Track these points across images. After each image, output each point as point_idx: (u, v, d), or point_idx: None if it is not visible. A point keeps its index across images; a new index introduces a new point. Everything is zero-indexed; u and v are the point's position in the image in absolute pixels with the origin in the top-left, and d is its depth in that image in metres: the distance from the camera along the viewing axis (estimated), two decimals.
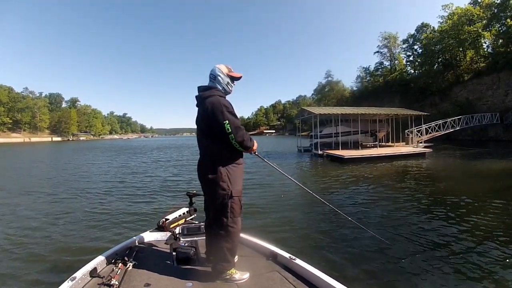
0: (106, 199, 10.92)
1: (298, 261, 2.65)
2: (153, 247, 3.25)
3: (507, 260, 5.63)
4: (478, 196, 11.75)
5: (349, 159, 21.44)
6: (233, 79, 2.87)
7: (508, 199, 10.52)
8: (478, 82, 38.88)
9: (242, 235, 3.06)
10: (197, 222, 3.88)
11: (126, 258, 2.77)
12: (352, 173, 17.39)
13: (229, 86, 2.82)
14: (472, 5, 45.66)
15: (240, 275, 2.60)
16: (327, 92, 77.64)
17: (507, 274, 5.10)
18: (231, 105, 2.64)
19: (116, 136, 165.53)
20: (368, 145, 29.24)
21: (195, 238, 3.39)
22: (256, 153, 2.91)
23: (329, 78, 79.46)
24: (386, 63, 64.78)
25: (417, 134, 28.22)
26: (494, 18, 41.43)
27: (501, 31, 39.66)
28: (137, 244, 3.26)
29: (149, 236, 3.49)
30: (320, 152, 25.09)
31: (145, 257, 2.96)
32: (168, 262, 2.89)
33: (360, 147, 26.75)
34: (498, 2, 40.89)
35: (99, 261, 2.73)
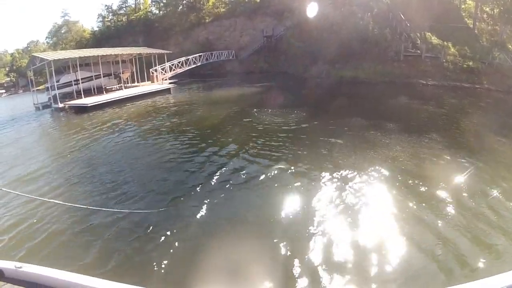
0: None
1: (26, 268, 2.13)
2: None
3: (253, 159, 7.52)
4: (222, 118, 13.66)
5: (94, 106, 19.82)
6: None
7: (244, 118, 12.72)
8: (218, 25, 43.62)
9: None
10: None
11: None
12: (99, 120, 16.21)
13: None
14: None
15: None
16: (65, 34, 66.82)
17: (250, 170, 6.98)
18: None
19: None
20: (113, 88, 27.71)
21: None
22: None
23: (66, 17, 68.23)
24: (131, 1, 61.45)
25: (161, 72, 28.95)
26: None
27: None
28: None
29: None
30: (61, 105, 21.91)
31: None
32: None
33: (104, 92, 24.93)
34: None
35: None
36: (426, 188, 5.65)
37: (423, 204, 5.15)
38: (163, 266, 4.08)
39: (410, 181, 5.97)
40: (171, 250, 4.40)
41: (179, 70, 30.53)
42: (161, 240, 4.61)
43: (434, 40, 24.01)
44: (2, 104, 41.11)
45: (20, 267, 2.18)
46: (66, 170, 8.38)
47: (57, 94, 22.81)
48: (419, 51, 23.35)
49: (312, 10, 29.01)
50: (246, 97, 19.71)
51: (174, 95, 23.16)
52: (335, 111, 12.84)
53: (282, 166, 6.92)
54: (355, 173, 6.35)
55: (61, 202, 4.24)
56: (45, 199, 4.08)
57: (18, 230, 5.34)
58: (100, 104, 20.32)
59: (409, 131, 9.29)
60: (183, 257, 4.27)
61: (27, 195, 3.44)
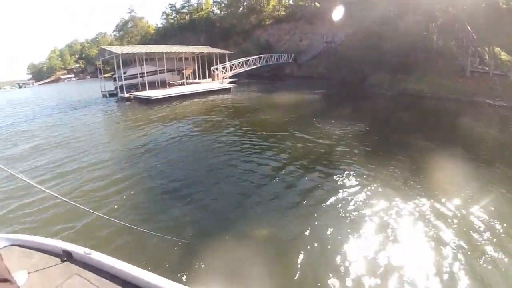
0: None
1: (94, 255, 2.31)
2: None
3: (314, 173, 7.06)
4: (282, 123, 13.05)
5: (158, 99, 20.45)
6: None
7: (305, 127, 11.88)
8: (278, 28, 43.85)
9: (27, 237, 2.67)
10: None
11: None
12: (161, 113, 16.65)
13: None
14: None
15: None
16: (130, 29, 70.95)
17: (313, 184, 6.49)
18: None
19: None
20: (175, 83, 28.66)
21: None
22: None
23: (133, 13, 72.49)
24: (194, 1, 63.80)
25: (222, 71, 29.36)
26: None
27: None
28: None
29: None
30: (127, 95, 23.11)
31: None
32: None
33: (168, 86, 25.81)
34: None
35: None
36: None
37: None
38: None
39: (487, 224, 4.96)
40: None
41: (239, 70, 30.73)
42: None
43: (504, 56, 21.73)
44: (72, 89, 44.31)
45: (89, 253, 2.31)
46: (128, 166, 8.33)
47: (124, 85, 24.08)
48: (486, 68, 21.27)
49: (372, 17, 27.79)
50: (305, 103, 19.01)
51: (233, 95, 23.11)
52: (398, 128, 11.69)
53: (353, 187, 6.24)
54: (428, 201, 5.59)
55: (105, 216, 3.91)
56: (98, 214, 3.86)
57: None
58: (164, 97, 20.83)
59: (478, 161, 7.81)
60: None
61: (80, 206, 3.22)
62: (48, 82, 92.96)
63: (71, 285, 2.15)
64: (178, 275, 3.89)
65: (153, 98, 20.37)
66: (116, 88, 26.32)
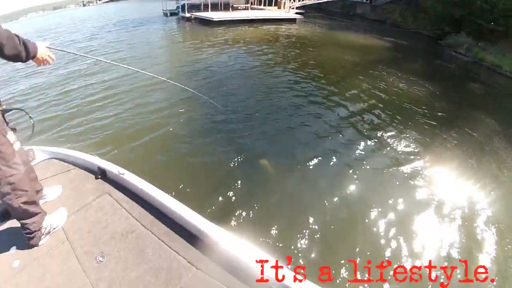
0: None
1: (127, 176, 2.30)
2: None
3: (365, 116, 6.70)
4: (345, 66, 11.99)
5: (219, 22, 19.68)
6: None
7: (369, 74, 10.80)
8: None
9: (66, 151, 2.69)
10: None
11: None
12: (222, 37, 16.04)
13: None
14: None
15: (60, 218, 2.02)
16: None
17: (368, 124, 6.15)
18: None
19: None
20: (239, 7, 27.27)
21: None
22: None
23: None
24: None
25: (290, 0, 27.16)
26: None
27: None
28: None
29: None
30: (188, 15, 22.40)
31: None
32: None
33: (231, 9, 24.71)
34: None
35: None
36: None
37: None
38: None
39: None
40: None
41: (307, 2, 28.25)
42: None
43: None
44: (134, 7, 44.22)
45: (123, 174, 2.30)
46: (182, 90, 7.78)
47: (186, 4, 23.20)
48: None
49: None
50: (373, 49, 16.79)
51: (299, 27, 21.38)
52: (468, 100, 9.82)
53: (421, 158, 5.38)
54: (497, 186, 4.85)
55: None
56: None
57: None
58: (226, 20, 19.92)
59: None
60: None
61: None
62: (111, 1, 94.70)
63: (100, 204, 2.17)
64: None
65: (214, 19, 19.46)
66: (177, 7, 25.66)
